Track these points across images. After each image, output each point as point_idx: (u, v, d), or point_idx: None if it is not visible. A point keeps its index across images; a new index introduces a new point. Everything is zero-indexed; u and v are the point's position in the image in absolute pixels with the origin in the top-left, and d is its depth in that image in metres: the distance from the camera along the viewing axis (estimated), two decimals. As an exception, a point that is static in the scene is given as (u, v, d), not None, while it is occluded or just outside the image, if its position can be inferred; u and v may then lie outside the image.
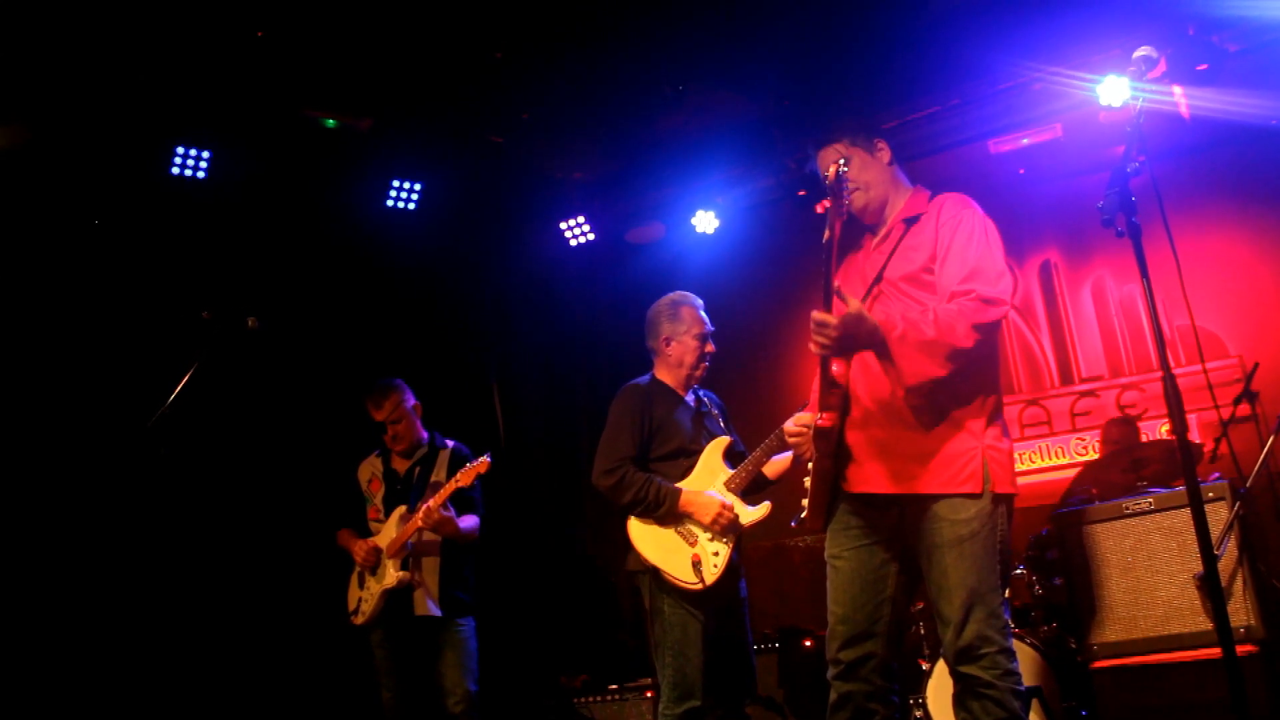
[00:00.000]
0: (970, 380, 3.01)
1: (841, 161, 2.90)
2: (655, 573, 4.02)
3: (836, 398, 3.06)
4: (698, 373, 4.35)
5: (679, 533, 4.06)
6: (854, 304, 2.85)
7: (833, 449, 3.08)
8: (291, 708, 5.85)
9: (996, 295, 2.94)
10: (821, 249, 2.86)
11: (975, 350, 2.91)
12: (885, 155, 3.29)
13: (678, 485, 4.11)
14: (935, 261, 3.07)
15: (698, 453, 4.21)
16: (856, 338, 2.87)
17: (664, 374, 4.36)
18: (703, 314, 4.36)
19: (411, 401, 5.02)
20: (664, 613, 4.02)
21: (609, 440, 4.22)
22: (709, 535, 4.04)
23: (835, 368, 3.04)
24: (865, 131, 3.30)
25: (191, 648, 5.67)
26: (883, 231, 3.29)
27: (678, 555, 4.01)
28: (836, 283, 2.84)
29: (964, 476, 2.96)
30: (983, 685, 2.90)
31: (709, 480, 4.16)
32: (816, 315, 2.84)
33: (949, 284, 3.01)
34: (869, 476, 3.07)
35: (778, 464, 4.18)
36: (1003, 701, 2.88)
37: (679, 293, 4.43)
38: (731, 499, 4.10)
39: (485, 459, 4.64)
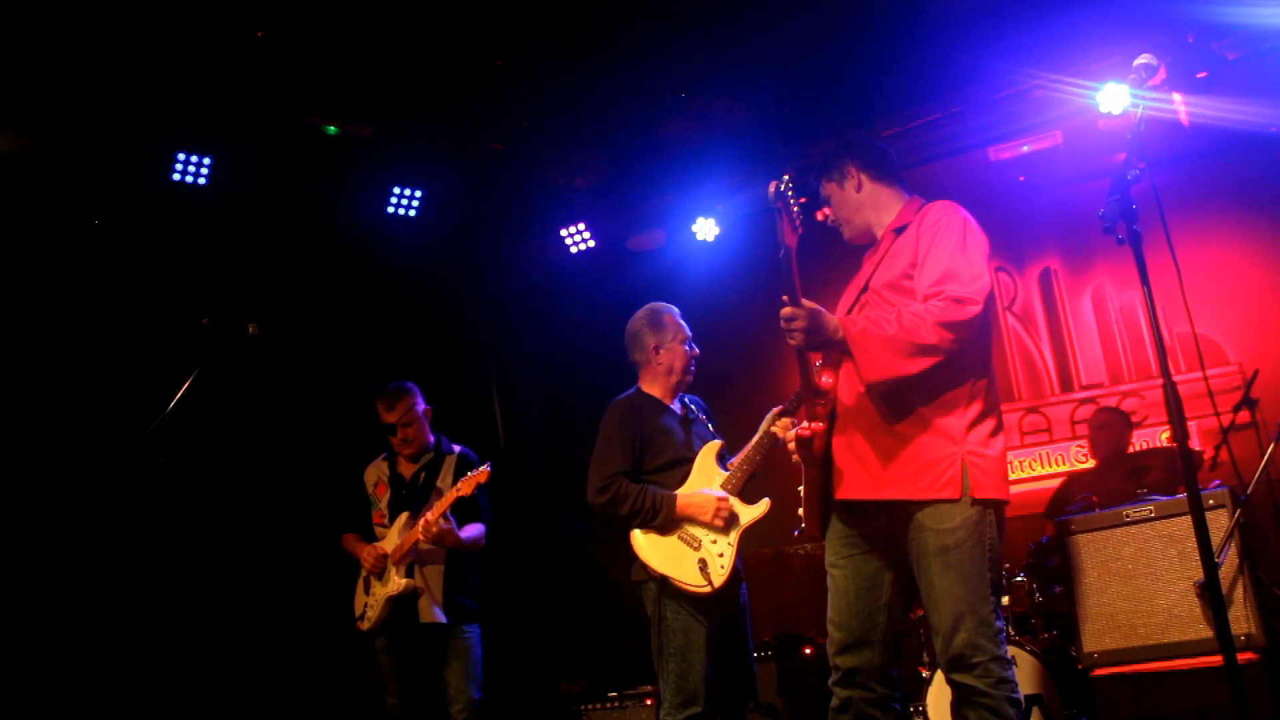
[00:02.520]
0: (950, 384, 3.01)
1: (785, 178, 2.94)
2: (663, 581, 4.02)
3: (823, 407, 3.11)
4: (688, 377, 4.40)
5: (682, 539, 4.07)
6: (810, 304, 2.93)
7: (818, 458, 3.10)
8: (297, 713, 5.84)
9: (968, 295, 2.94)
10: (780, 264, 2.92)
11: (945, 348, 2.91)
12: (855, 182, 3.36)
13: (674, 491, 4.13)
14: (915, 267, 3.09)
15: (691, 459, 4.23)
16: (822, 332, 2.94)
17: (650, 385, 4.40)
18: (681, 320, 4.42)
19: (422, 406, 5.02)
20: (667, 619, 4.03)
21: (600, 458, 4.24)
22: (712, 537, 4.05)
23: (825, 379, 3.10)
24: (836, 164, 3.40)
25: (197, 654, 5.67)
26: (875, 245, 3.35)
27: (684, 561, 4.01)
28: (798, 286, 2.90)
29: (942, 482, 2.95)
30: (977, 694, 2.89)
31: (705, 484, 4.18)
32: (785, 310, 2.92)
33: (924, 286, 3.04)
34: (851, 483, 3.08)
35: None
36: (998, 709, 2.87)
37: (654, 304, 4.48)
38: (729, 498, 4.12)
39: (485, 468, 4.64)
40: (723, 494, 4.10)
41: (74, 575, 5.47)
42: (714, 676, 4.01)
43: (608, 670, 6.41)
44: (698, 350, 4.41)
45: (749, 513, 4.10)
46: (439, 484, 4.91)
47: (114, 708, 5.37)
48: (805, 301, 2.91)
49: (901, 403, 3.02)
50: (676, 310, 4.46)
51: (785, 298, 2.90)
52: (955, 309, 2.93)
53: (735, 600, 4.17)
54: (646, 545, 4.10)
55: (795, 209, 2.94)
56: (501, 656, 5.50)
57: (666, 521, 4.08)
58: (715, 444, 4.28)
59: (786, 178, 2.93)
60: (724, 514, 4.06)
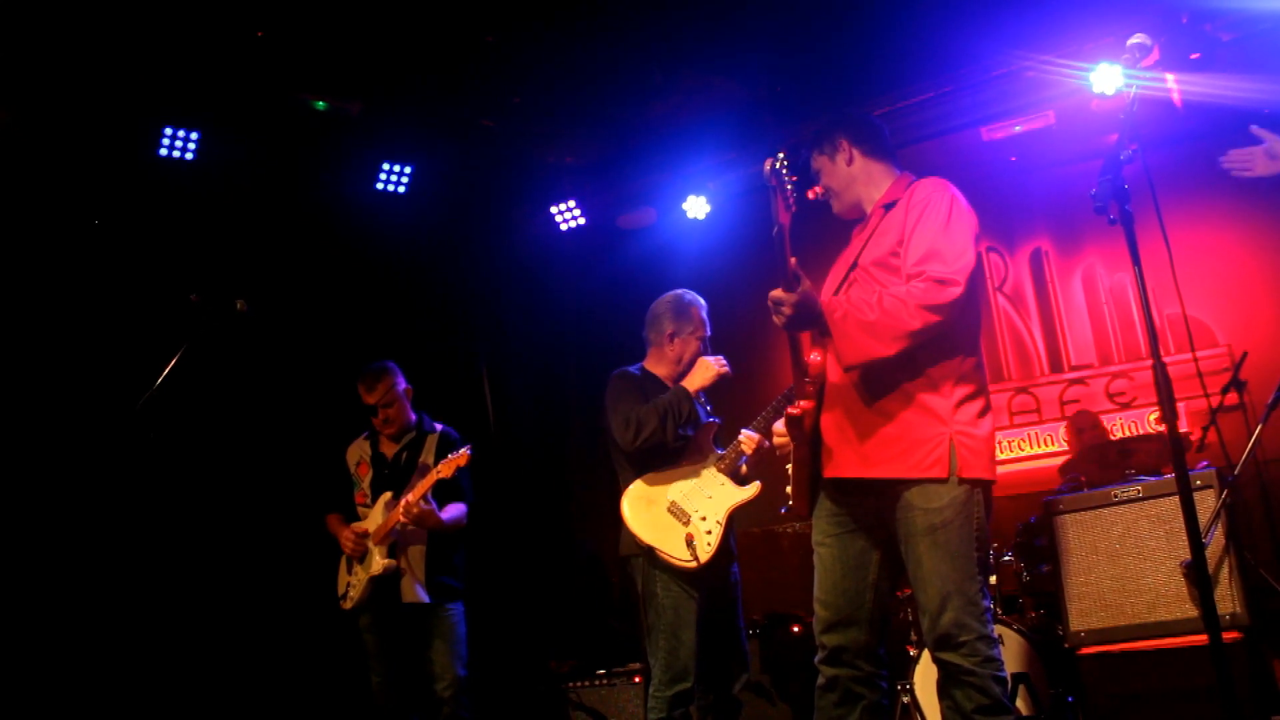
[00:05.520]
0: (939, 363, 3.01)
1: (781, 155, 2.92)
2: (650, 553, 4.03)
3: (812, 386, 3.12)
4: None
5: (671, 511, 4.09)
6: (802, 287, 2.91)
7: (807, 436, 3.10)
8: (281, 692, 5.85)
9: (950, 275, 2.94)
10: (774, 241, 2.91)
11: (929, 330, 2.91)
12: (846, 156, 3.34)
13: (680, 384, 4.20)
14: (902, 245, 3.09)
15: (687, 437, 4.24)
16: (810, 317, 2.94)
17: (656, 366, 4.40)
18: (706, 317, 4.41)
19: (403, 385, 5.01)
20: (657, 595, 4.05)
21: (619, 414, 4.19)
22: (701, 514, 4.07)
23: (813, 356, 3.11)
24: (828, 137, 3.37)
25: (180, 632, 5.66)
26: (865, 220, 3.33)
27: (671, 534, 4.03)
28: (793, 263, 2.88)
29: (930, 461, 2.96)
30: (963, 673, 2.91)
31: (698, 461, 4.19)
32: (774, 293, 2.91)
33: (908, 265, 3.04)
34: (840, 461, 3.09)
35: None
36: (984, 688, 2.89)
37: (688, 292, 4.48)
38: (722, 479, 4.13)
39: (465, 451, 4.62)
40: (721, 358, 4.17)
41: (60, 553, 5.45)
42: (705, 653, 4.04)
43: (596, 648, 6.43)
44: (709, 351, 4.40)
45: (739, 494, 4.12)
46: (421, 463, 4.90)
47: (98, 684, 5.36)
48: (799, 285, 2.90)
49: (890, 382, 3.02)
50: (705, 305, 4.45)
51: (779, 288, 2.89)
52: (936, 291, 2.92)
53: (726, 579, 4.19)
54: (636, 516, 4.11)
55: (789, 187, 2.93)
56: (491, 635, 5.51)
57: (689, 417, 4.12)
58: (712, 424, 4.30)
59: (782, 156, 2.92)
60: (723, 366, 4.17)
